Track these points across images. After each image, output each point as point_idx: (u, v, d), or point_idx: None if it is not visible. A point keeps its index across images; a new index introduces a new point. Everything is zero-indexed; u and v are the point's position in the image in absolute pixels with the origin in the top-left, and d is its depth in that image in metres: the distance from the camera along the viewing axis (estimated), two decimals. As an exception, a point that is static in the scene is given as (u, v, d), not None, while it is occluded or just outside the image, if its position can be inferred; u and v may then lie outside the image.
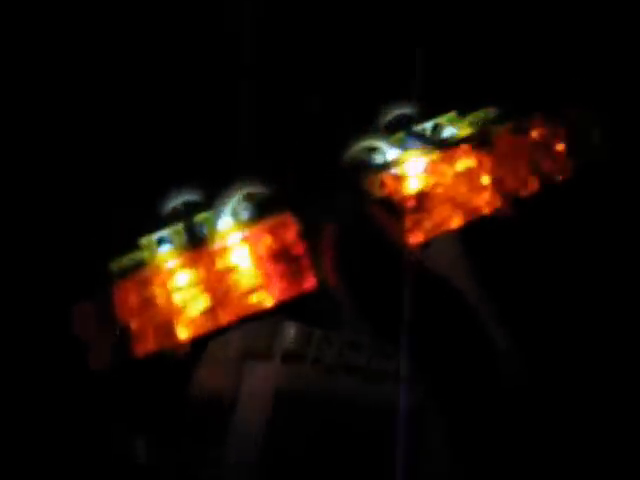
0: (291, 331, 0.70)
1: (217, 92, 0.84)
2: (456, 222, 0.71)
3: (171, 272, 0.65)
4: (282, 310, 0.67)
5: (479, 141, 0.74)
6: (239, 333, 0.71)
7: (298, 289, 0.66)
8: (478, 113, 0.81)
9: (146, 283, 0.64)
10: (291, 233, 0.66)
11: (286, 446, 0.67)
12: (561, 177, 0.76)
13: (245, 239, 0.66)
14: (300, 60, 0.87)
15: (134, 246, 0.71)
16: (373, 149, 0.77)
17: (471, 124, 0.79)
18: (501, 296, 0.77)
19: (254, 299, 0.65)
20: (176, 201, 0.72)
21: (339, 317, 0.71)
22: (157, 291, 0.64)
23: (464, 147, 0.72)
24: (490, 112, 0.80)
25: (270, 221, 0.67)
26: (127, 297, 0.64)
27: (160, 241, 0.70)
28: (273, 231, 0.66)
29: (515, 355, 0.75)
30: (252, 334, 0.71)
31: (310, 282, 0.66)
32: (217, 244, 0.66)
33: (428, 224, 0.70)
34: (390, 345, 0.70)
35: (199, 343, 0.67)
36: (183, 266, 0.65)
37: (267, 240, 0.66)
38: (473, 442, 0.70)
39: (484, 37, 0.90)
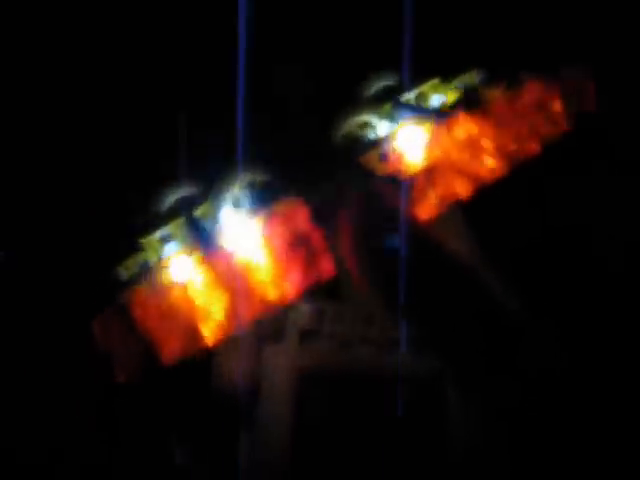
0: (304, 310, 0.71)
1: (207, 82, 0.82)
2: (463, 191, 0.70)
3: (187, 276, 0.64)
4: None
5: (472, 106, 0.74)
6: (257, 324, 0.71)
7: (317, 276, 0.66)
8: (463, 77, 0.80)
9: (163, 289, 0.62)
10: (302, 219, 0.65)
11: (312, 421, 0.69)
12: (559, 135, 0.76)
13: (258, 231, 0.65)
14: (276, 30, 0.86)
15: (136, 248, 0.69)
16: (364, 124, 0.75)
17: (458, 89, 0.78)
18: (507, 260, 0.78)
19: (274, 292, 0.64)
20: (173, 197, 0.70)
21: (350, 291, 0.72)
22: (177, 296, 0.62)
23: (461, 114, 0.72)
24: (475, 75, 0.79)
25: (280, 208, 0.65)
26: (146, 304, 0.62)
27: (163, 240, 0.68)
28: (284, 219, 0.65)
29: (524, 314, 0.76)
30: (265, 317, 0.71)
31: (328, 268, 0.65)
32: (227, 240, 0.65)
33: (436, 197, 0.70)
34: (402, 315, 0.71)
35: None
36: (197, 267, 0.64)
37: (280, 230, 0.65)
38: (488, 402, 0.71)
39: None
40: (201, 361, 0.68)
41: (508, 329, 0.72)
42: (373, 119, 0.76)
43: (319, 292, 0.70)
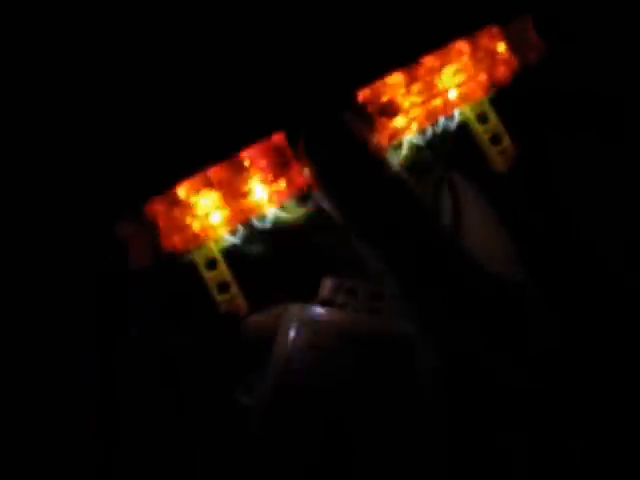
0: (327, 283, 0.77)
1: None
2: (416, 123, 0.83)
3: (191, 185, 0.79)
4: (325, 268, 0.76)
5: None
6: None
7: (293, 191, 0.80)
8: None
9: (172, 193, 0.78)
10: (281, 141, 0.80)
11: (318, 373, 0.73)
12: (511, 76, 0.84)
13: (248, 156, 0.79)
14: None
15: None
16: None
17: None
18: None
19: (260, 204, 0.80)
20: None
21: (365, 271, 0.75)
22: (180, 199, 0.78)
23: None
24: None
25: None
26: (156, 205, 0.78)
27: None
28: (268, 145, 0.80)
29: (534, 291, 0.75)
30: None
31: (299, 184, 0.79)
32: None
33: (392, 128, 0.82)
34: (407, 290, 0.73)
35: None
36: (201, 182, 0.79)
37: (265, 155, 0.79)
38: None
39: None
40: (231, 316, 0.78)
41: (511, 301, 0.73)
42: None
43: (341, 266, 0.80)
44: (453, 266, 0.72)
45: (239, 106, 0.86)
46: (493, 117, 0.85)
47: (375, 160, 0.77)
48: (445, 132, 0.84)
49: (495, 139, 0.85)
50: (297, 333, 0.73)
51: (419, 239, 0.73)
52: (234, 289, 0.78)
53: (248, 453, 0.72)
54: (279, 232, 0.81)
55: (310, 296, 0.76)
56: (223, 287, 0.78)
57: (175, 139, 0.86)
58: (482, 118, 0.86)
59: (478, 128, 0.85)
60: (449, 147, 0.85)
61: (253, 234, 0.80)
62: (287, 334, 0.73)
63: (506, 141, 0.85)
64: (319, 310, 0.74)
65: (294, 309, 0.74)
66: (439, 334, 0.71)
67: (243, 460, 0.73)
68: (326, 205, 0.76)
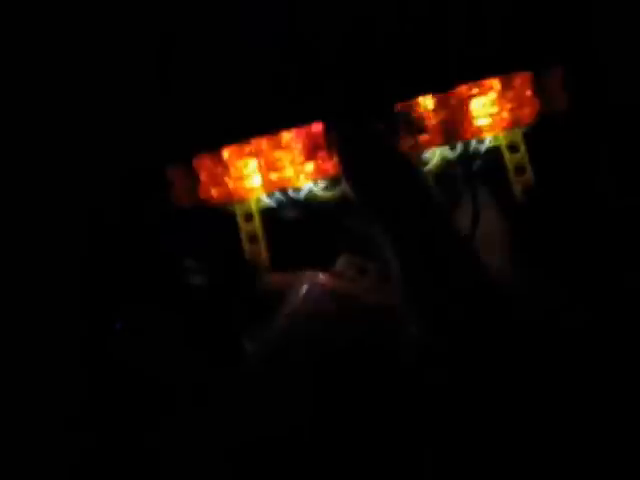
0: (342, 259, 0.85)
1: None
2: (438, 140, 0.93)
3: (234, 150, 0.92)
4: (345, 246, 0.85)
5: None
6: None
7: (322, 173, 0.92)
8: None
9: (217, 154, 0.92)
10: (318, 131, 0.91)
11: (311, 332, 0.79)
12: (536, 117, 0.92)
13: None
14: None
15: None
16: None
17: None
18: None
19: (294, 176, 0.92)
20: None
21: (378, 253, 0.80)
22: (222, 160, 0.92)
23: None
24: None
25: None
26: (202, 161, 0.92)
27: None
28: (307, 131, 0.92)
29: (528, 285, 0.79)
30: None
31: (327, 167, 0.91)
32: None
33: (422, 139, 0.93)
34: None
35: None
36: (243, 149, 0.92)
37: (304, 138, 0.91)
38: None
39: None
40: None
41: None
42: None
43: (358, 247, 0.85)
44: (456, 264, 0.77)
45: (290, 94, 0.98)
46: (522, 149, 0.94)
47: (401, 160, 0.83)
48: (476, 153, 0.93)
49: (519, 170, 0.93)
50: (306, 294, 0.83)
51: (431, 236, 0.78)
52: (262, 244, 0.90)
53: (244, 390, 0.80)
54: (312, 206, 0.91)
55: (326, 267, 0.86)
56: (253, 239, 0.90)
57: (234, 109, 0.97)
58: (512, 147, 0.94)
59: (507, 156, 0.94)
60: (477, 165, 0.93)
61: (287, 202, 0.92)
62: (297, 294, 0.83)
63: (528, 174, 0.93)
64: (329, 279, 0.84)
65: (308, 274, 0.85)
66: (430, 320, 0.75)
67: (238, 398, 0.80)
68: (349, 192, 0.85)
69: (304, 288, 0.83)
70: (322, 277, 0.84)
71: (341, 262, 0.87)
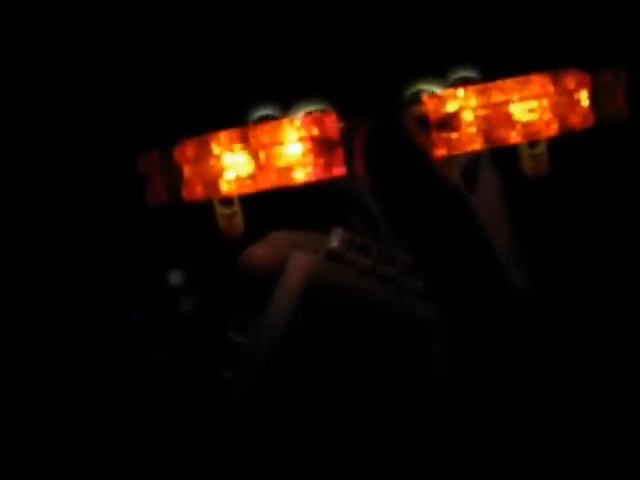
0: (337, 233, 0.74)
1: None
2: (476, 146, 0.79)
3: (227, 139, 0.76)
4: (333, 220, 0.76)
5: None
6: (295, 232, 0.76)
7: (328, 174, 0.77)
8: None
9: (205, 142, 0.76)
10: (332, 124, 0.76)
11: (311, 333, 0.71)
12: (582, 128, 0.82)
13: (296, 121, 0.76)
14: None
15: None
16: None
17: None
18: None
19: (291, 173, 0.76)
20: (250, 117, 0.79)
21: (379, 231, 0.76)
22: (212, 150, 0.75)
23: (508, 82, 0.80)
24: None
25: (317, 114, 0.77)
26: (186, 149, 0.76)
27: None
28: (318, 120, 0.77)
29: (533, 294, 0.74)
30: (304, 235, 0.78)
31: (340, 170, 0.76)
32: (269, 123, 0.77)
33: (453, 142, 0.79)
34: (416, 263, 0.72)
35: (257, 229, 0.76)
36: (238, 137, 0.76)
37: (312, 127, 0.76)
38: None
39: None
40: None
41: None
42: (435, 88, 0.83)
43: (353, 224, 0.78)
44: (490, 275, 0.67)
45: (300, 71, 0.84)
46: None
47: (434, 172, 0.71)
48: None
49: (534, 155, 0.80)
50: (301, 288, 0.69)
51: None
52: (236, 206, 0.74)
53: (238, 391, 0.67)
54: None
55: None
56: (227, 202, 0.74)
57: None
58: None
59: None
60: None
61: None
62: (289, 286, 0.70)
63: (542, 146, 0.79)
64: (328, 267, 0.71)
65: (299, 259, 0.71)
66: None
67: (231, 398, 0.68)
68: (365, 199, 0.74)
69: (296, 281, 0.70)
70: (316, 266, 0.71)
71: (336, 237, 0.73)
